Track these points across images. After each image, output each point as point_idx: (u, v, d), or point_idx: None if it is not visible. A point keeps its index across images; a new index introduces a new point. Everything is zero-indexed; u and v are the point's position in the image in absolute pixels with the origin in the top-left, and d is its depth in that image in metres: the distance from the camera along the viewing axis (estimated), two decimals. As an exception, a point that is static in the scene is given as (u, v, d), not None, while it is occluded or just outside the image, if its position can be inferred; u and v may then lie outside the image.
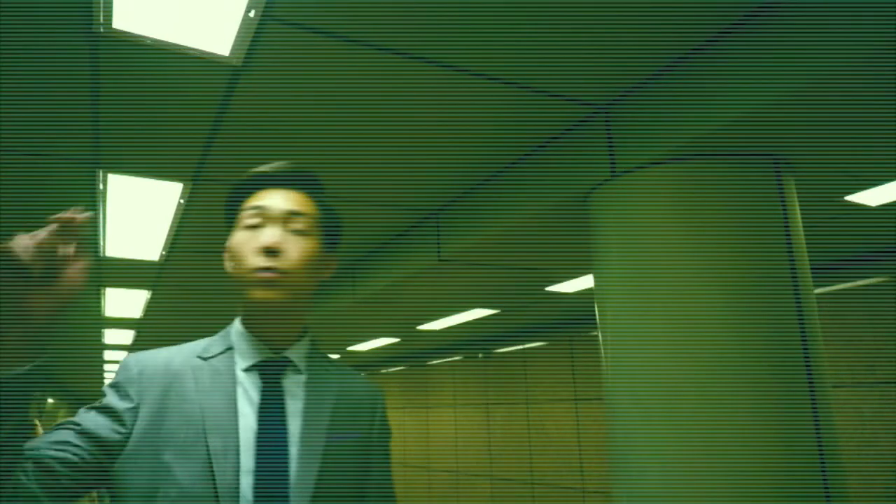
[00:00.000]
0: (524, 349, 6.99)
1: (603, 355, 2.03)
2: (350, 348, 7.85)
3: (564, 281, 4.36)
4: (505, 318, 5.81)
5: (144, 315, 5.14)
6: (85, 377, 11.85)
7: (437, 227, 2.90)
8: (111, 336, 6.32)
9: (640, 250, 1.91)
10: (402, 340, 7.24)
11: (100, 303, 4.53)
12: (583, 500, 5.90)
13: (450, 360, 8.39)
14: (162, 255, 3.30)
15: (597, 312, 2.07)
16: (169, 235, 3.02)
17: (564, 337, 6.38)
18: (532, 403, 6.75)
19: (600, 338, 2.04)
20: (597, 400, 5.90)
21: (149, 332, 6.09)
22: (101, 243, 3.11)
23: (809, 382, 1.75)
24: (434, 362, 8.78)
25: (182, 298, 4.47)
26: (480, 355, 7.58)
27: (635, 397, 1.88)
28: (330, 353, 8.52)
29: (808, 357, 1.76)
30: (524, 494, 6.67)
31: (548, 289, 4.57)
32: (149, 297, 4.36)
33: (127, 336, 6.35)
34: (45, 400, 15.77)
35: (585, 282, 4.45)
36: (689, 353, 1.78)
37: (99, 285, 3.95)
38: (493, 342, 7.44)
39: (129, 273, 3.72)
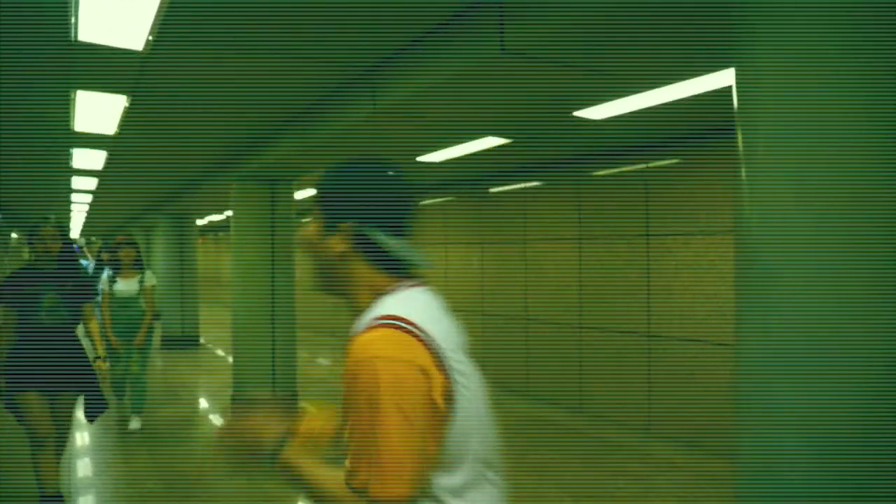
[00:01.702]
0: (525, 188, 6.70)
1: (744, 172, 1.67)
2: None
3: (600, 103, 3.94)
4: (514, 150, 5.42)
5: (119, 131, 4.57)
6: (51, 207, 11.28)
7: (501, 9, 2.38)
8: (80, 158, 5.74)
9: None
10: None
11: (69, 111, 3.95)
12: (579, 333, 5.96)
13: (442, 198, 8.10)
14: (147, 42, 2.73)
15: (739, 126, 1.68)
16: (159, 12, 2.45)
17: (571, 174, 6.08)
18: (530, 242, 6.60)
19: (741, 145, 1.67)
20: (602, 239, 5.74)
21: (124, 154, 5.53)
22: (73, 21, 2.52)
23: None
24: (426, 201, 8.49)
25: (167, 106, 3.90)
26: (486, 191, 7.26)
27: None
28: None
29: None
30: (517, 329, 6.74)
31: (576, 113, 4.15)
32: (127, 105, 3.79)
33: (98, 158, 5.78)
34: (9, 235, 15.21)
35: (617, 107, 4.04)
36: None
37: (69, 84, 3.37)
38: (494, 180, 7.12)
39: (105, 68, 3.14)
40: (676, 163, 5.15)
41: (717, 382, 4.51)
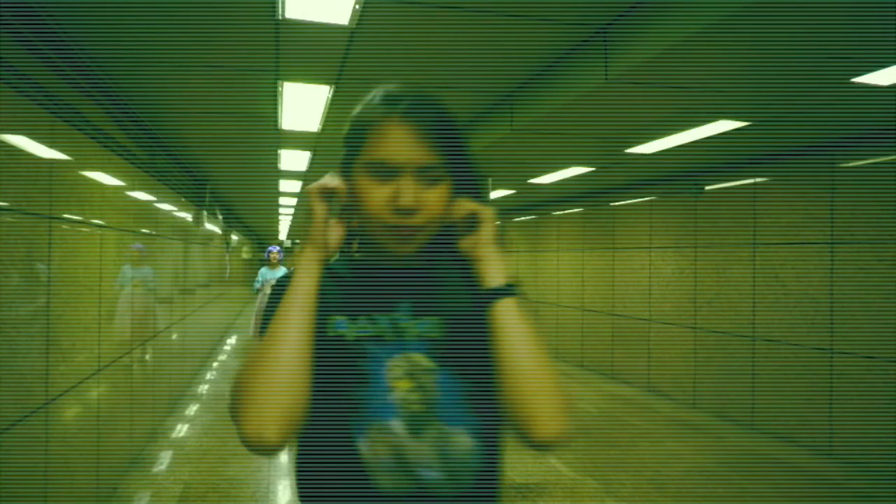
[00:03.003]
0: (755, 183, 5.68)
1: None
2: (531, 181, 6.96)
3: (882, 67, 3.00)
4: (749, 135, 4.52)
5: (323, 128, 4.53)
6: (264, 210, 12.29)
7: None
8: (287, 159, 5.92)
9: None
10: (597, 170, 6.20)
11: (276, 107, 3.92)
12: (830, 361, 4.83)
13: (648, 197, 7.26)
14: (354, 13, 2.45)
15: None
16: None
17: (820, 164, 4.98)
18: (760, 245, 5.57)
19: None
20: (866, 243, 4.59)
21: (327, 153, 5.57)
22: (279, -7, 2.31)
23: None
24: (623, 202, 7.71)
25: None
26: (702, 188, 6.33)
27: None
28: (509, 187, 7.70)
29: None
30: (741, 349, 5.73)
31: (856, 80, 3.22)
32: (330, 96, 3.65)
33: (302, 160, 5.92)
34: (230, 237, 17.02)
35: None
36: None
37: (276, 74, 3.27)
38: (710, 175, 6.17)
39: (310, 52, 2.96)
40: None
41: None
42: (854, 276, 4.67)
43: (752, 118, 4.07)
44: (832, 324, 4.83)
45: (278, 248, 8.87)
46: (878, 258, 4.48)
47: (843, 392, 4.73)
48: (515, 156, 5.31)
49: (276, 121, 4.28)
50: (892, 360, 4.35)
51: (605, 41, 2.74)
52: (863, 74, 3.16)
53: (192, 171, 6.87)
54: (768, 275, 5.46)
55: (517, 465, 4.56)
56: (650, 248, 7.19)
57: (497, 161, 5.33)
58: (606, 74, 2.75)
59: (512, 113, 3.89)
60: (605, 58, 2.73)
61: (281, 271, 8.60)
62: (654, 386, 7.01)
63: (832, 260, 4.86)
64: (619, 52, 2.64)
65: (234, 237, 17.19)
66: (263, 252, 11.55)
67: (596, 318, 8.33)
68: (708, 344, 6.19)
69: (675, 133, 4.45)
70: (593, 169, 6.12)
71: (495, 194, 8.21)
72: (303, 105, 3.81)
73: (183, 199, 6.50)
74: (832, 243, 4.86)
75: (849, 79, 3.21)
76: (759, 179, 5.61)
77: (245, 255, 22.63)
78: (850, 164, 4.75)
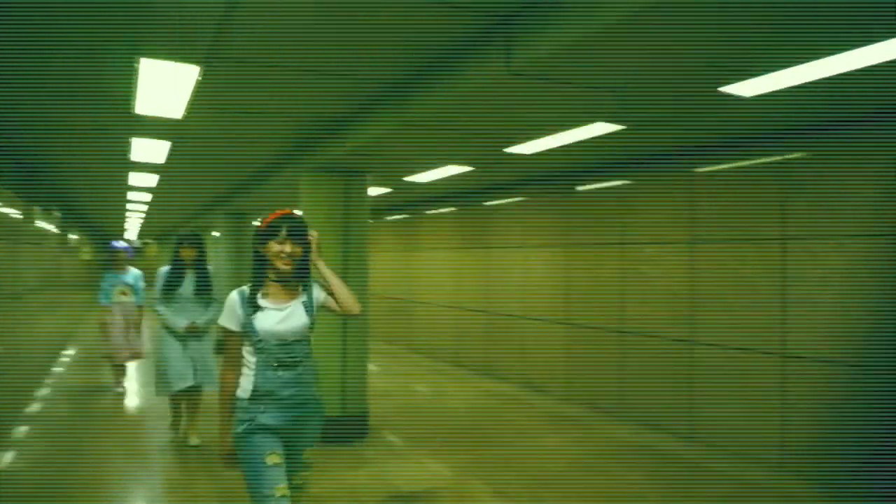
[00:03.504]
0: (625, 185, 5.97)
1: None
2: (407, 178, 6.82)
3: (755, 76, 3.22)
4: (620, 138, 4.71)
5: (188, 115, 4.06)
6: (110, 214, 11.06)
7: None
8: (140, 149, 5.29)
9: None
10: (476, 169, 6.20)
11: (131, 87, 3.44)
12: (690, 352, 5.19)
13: (521, 197, 7.41)
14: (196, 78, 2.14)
15: None
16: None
17: (682, 168, 5.32)
18: (628, 244, 5.86)
19: None
20: (721, 241, 4.97)
21: (193, 143, 5.03)
22: None
23: None
24: (498, 202, 7.82)
25: (243, 77, 3.34)
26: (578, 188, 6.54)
27: None
28: (384, 185, 7.51)
29: None
30: (610, 343, 6.00)
31: (722, 89, 3.42)
32: (199, 78, 3.25)
33: (160, 150, 5.32)
34: (66, 235, 15.22)
35: (774, 81, 3.31)
36: None
37: (134, 49, 2.83)
38: (583, 176, 6.41)
39: (176, 25, 2.58)
40: (816, 154, 4.36)
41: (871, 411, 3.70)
42: (711, 273, 5.05)
43: (626, 121, 4.22)
44: (692, 317, 5.18)
45: (126, 244, 7.18)
46: (733, 256, 4.87)
47: (701, 380, 5.10)
48: (396, 152, 5.14)
49: (129, 104, 3.76)
50: (740, 349, 4.75)
51: (507, 32, 2.65)
52: (730, 84, 3.37)
53: (22, 161, 5.95)
54: (635, 272, 5.77)
55: (401, 473, 4.40)
56: (524, 247, 7.35)
57: (376, 157, 5.12)
58: (508, 66, 2.67)
59: (400, 105, 3.72)
60: (508, 52, 2.65)
61: (132, 274, 6.90)
62: (529, 381, 7.17)
63: (692, 258, 5.21)
64: (519, 47, 2.57)
65: (73, 236, 15.39)
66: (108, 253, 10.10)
67: (471, 316, 8.40)
68: (580, 339, 6.43)
69: (556, 133, 4.51)
70: (471, 168, 6.11)
71: (372, 191, 7.99)
72: (165, 87, 3.36)
73: (9, 193, 5.60)
74: (692, 242, 5.21)
75: (716, 87, 3.40)
76: (627, 181, 5.91)
77: (85, 256, 20.41)
78: (707, 169, 5.12)
